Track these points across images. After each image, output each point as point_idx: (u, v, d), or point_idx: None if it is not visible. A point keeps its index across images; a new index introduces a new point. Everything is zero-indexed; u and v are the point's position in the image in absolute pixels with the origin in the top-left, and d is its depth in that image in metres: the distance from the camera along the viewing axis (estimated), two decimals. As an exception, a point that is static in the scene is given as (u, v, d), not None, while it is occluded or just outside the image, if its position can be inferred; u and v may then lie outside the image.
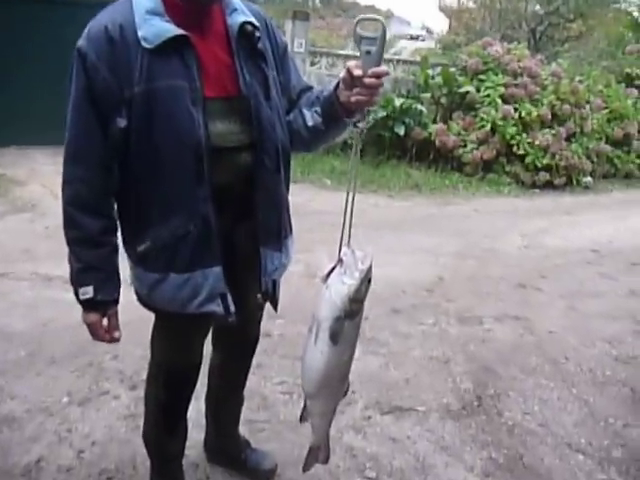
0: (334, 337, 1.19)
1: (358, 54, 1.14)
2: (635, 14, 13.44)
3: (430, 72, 7.84)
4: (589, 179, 7.51)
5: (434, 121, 7.50)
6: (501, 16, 14.14)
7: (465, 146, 7.22)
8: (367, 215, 4.98)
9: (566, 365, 2.73)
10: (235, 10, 1.29)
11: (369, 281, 1.22)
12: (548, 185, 7.20)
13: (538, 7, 14.15)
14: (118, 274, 1.33)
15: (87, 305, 1.30)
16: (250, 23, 1.28)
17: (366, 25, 1.16)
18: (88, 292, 1.27)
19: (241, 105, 1.27)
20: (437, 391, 2.43)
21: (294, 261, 1.54)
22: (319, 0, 24.89)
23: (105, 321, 1.33)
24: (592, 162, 7.57)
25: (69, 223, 1.27)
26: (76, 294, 1.30)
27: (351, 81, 1.17)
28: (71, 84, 1.22)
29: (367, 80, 1.13)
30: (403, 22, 34.61)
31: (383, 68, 1.15)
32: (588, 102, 7.72)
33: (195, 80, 1.19)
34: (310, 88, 1.44)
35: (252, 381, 1.83)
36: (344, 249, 1.22)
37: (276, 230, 1.39)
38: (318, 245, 4.04)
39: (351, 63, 1.17)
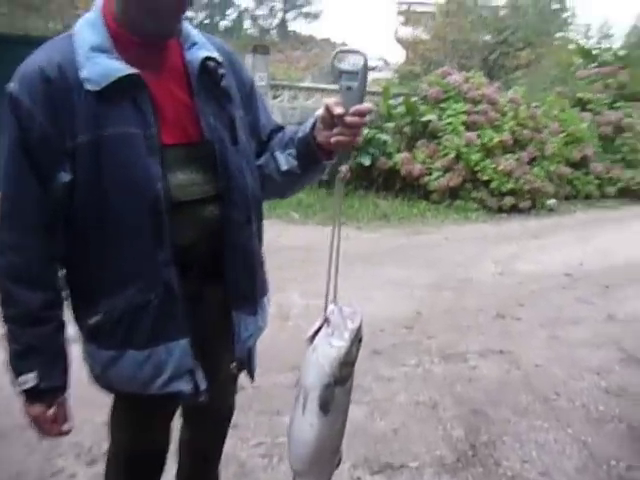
0: (324, 407, 1.05)
1: (334, 88, 1.01)
2: (582, 41, 14.08)
3: (392, 102, 7.90)
4: (553, 201, 7.64)
5: (399, 150, 7.52)
6: (454, 46, 14.56)
7: (431, 174, 7.25)
8: (337, 248, 4.84)
9: (558, 402, 2.61)
10: (195, 44, 1.13)
11: (360, 341, 1.08)
12: (514, 209, 7.28)
13: (489, 37, 14.64)
14: (65, 354, 1.12)
15: (29, 395, 1.08)
16: (212, 59, 1.12)
17: (344, 58, 1.03)
18: (29, 380, 1.06)
19: (204, 152, 1.10)
20: (428, 441, 2.26)
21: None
22: (276, 34, 25.27)
23: (52, 411, 1.11)
24: (554, 185, 7.71)
25: (4, 299, 1.07)
26: (15, 383, 1.08)
27: (330, 120, 1.03)
28: (4, 134, 1.04)
29: (349, 119, 1.00)
30: (359, 54, 35.46)
31: (366, 105, 1.01)
32: (546, 127, 7.91)
33: (150, 126, 1.02)
34: (281, 128, 1.28)
35: (227, 444, 1.62)
36: (330, 307, 1.08)
37: (250, 291, 1.21)
38: (289, 283, 3.88)
39: (330, 100, 1.02)
